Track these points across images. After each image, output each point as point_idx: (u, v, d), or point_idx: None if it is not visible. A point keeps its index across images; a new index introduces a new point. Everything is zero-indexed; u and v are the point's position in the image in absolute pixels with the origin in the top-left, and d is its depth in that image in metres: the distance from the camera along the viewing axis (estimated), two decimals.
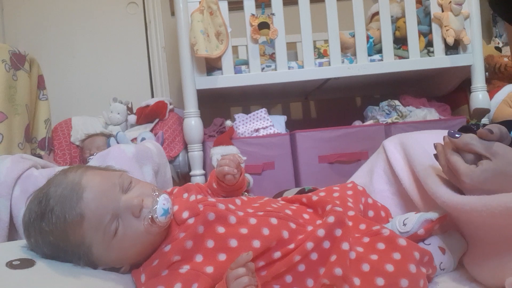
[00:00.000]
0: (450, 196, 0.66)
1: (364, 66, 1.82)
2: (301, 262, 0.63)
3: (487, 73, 1.95)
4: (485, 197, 0.60)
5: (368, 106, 2.02)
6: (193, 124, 1.72)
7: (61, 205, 0.60)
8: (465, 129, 0.71)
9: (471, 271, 0.68)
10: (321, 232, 0.64)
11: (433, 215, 0.71)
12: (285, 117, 1.89)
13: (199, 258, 0.63)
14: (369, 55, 1.85)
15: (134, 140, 1.73)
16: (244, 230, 0.64)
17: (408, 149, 0.86)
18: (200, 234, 0.64)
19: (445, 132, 0.69)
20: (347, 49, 1.93)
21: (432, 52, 1.87)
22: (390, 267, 0.60)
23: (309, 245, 0.63)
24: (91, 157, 1.39)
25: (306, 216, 0.72)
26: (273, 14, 1.75)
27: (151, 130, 1.88)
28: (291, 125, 1.94)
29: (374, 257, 0.62)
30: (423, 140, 0.87)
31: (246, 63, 1.83)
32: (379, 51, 1.87)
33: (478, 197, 0.61)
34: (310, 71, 1.80)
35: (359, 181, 0.98)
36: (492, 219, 0.59)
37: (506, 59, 2.08)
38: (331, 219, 0.65)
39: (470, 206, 0.61)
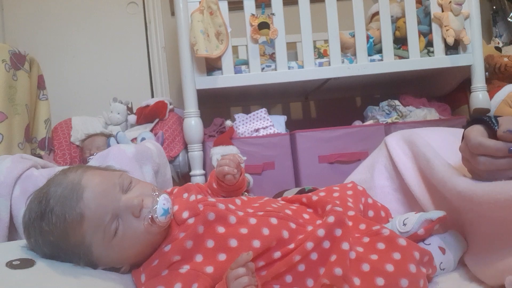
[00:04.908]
0: (471, 184, 0.64)
1: (364, 66, 1.82)
2: (301, 262, 0.63)
3: (487, 73, 1.95)
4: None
5: (368, 106, 2.02)
6: (193, 124, 1.72)
7: (61, 205, 0.60)
8: (479, 122, 0.63)
9: (472, 269, 0.67)
10: (321, 232, 0.64)
11: (433, 215, 0.71)
12: (285, 117, 1.89)
13: (199, 258, 0.63)
14: (369, 55, 1.85)
15: (134, 140, 1.73)
16: (244, 230, 0.64)
17: (416, 144, 0.85)
18: (200, 234, 0.64)
19: (447, 130, 0.68)
20: (347, 49, 1.93)
21: (432, 52, 1.87)
22: (390, 267, 0.60)
23: (309, 245, 0.63)
24: (91, 157, 1.39)
25: (306, 216, 0.72)
26: (273, 14, 1.75)
27: (151, 130, 1.88)
28: (291, 125, 1.94)
29: (374, 257, 0.62)
30: (427, 136, 0.87)
31: (246, 63, 1.83)
32: (379, 51, 1.87)
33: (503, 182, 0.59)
34: (310, 71, 1.80)
35: (360, 176, 0.98)
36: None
37: (506, 59, 2.08)
38: (331, 219, 0.65)
39: (495, 192, 0.58)
